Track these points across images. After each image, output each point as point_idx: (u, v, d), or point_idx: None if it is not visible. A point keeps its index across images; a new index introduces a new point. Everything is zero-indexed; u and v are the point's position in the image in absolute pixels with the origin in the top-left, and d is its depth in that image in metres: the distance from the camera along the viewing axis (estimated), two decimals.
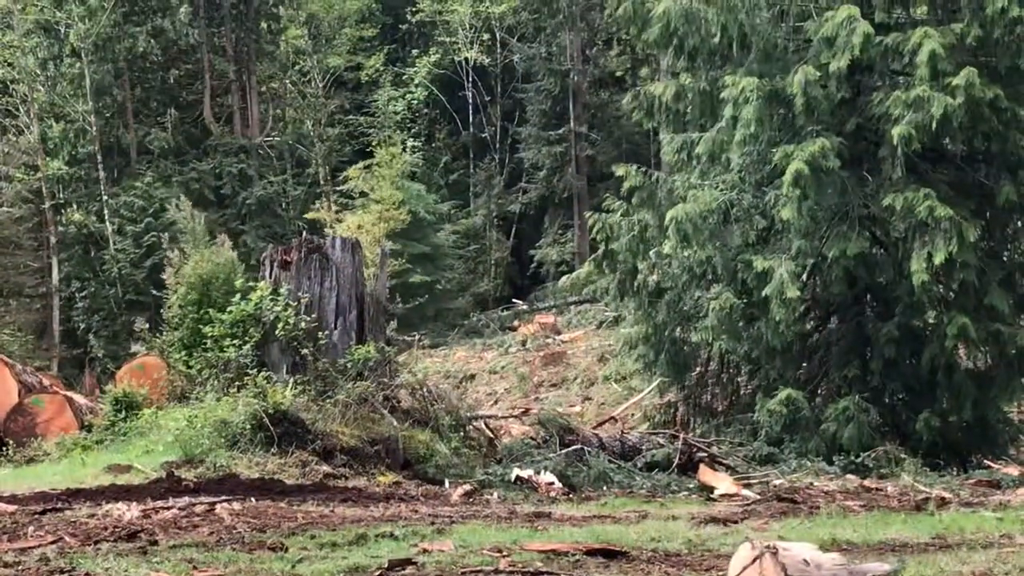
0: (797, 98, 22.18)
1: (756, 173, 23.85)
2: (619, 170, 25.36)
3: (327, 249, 21.56)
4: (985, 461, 22.89)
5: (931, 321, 23.25)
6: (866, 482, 19.47)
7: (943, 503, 16.95)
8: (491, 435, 22.07)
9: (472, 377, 38.80)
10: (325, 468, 18.27)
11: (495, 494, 17.89)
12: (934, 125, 21.57)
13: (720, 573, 10.86)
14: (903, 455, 21.30)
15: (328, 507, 15.67)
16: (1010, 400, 24.26)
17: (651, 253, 25.05)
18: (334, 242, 22.01)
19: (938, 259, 21.58)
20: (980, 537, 13.71)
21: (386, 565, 10.91)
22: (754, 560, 9.93)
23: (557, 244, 56.58)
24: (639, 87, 27.31)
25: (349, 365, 20.38)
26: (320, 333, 20.65)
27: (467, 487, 17.88)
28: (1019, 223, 23.69)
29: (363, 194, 50.62)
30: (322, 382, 20.17)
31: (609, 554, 12.14)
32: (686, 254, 24.23)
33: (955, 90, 21.47)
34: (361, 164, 52.49)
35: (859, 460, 21.10)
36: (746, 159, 23.50)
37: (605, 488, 19.15)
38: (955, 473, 21.15)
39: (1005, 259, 24.23)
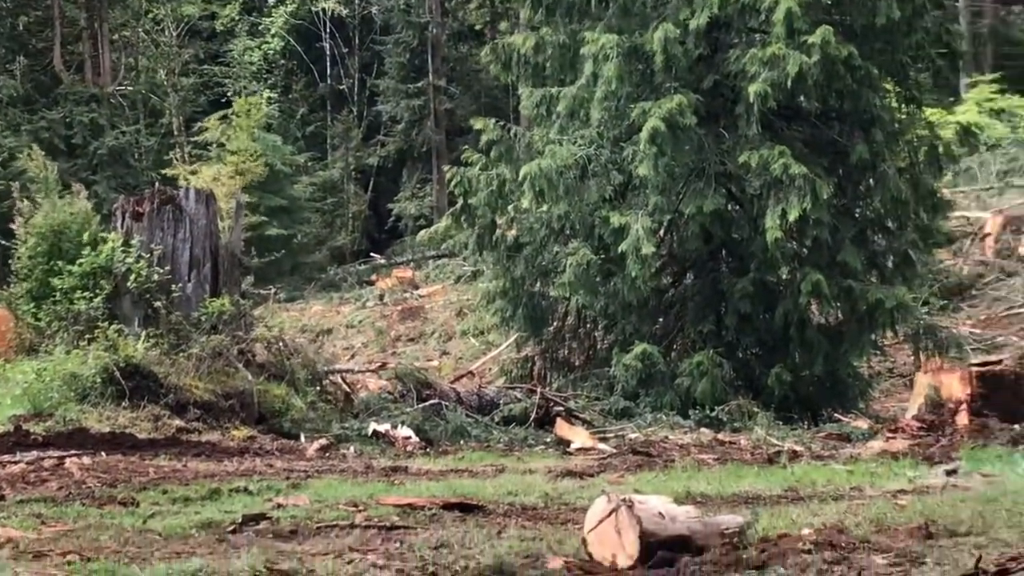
0: (657, 55, 22.25)
1: (614, 129, 23.89)
2: (477, 124, 25.26)
3: (180, 200, 21.24)
4: (836, 415, 23.23)
5: (785, 277, 23.53)
6: (720, 436, 19.68)
7: (795, 456, 17.19)
8: (348, 389, 21.94)
9: (329, 331, 38.59)
10: (178, 422, 18.05)
11: (351, 448, 17.80)
12: (789, 83, 21.77)
13: (576, 526, 10.89)
14: (756, 409, 21.55)
15: (181, 462, 15.47)
16: (860, 355, 24.63)
17: (509, 208, 24.99)
18: (188, 193, 21.70)
19: (792, 216, 21.82)
20: (831, 489, 13.93)
21: (240, 520, 10.79)
22: (610, 513, 9.97)
23: (415, 198, 56.38)
24: (498, 40, 27.18)
25: (203, 318, 20.13)
26: (173, 286, 20.35)
27: (323, 442, 17.78)
28: (871, 181, 23.98)
29: (219, 145, 49.94)
30: (175, 335, 19.90)
31: (466, 508, 12.14)
32: (544, 209, 24.22)
33: (811, 48, 21.68)
34: (218, 115, 51.74)
35: (713, 414, 21.31)
36: (605, 115, 23.52)
37: (462, 442, 19.15)
38: (807, 427, 21.45)
39: (857, 216, 24.56)
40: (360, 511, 11.68)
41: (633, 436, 19.64)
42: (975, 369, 19.85)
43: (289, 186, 52.50)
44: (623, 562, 9.86)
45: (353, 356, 34.59)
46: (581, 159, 23.36)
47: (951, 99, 44.41)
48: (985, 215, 34.01)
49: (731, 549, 10.19)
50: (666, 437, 19.31)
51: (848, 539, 10.55)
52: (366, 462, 16.31)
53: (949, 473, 15.13)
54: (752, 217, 23.26)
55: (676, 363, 23.16)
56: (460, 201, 25.06)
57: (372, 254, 53.30)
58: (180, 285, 20.50)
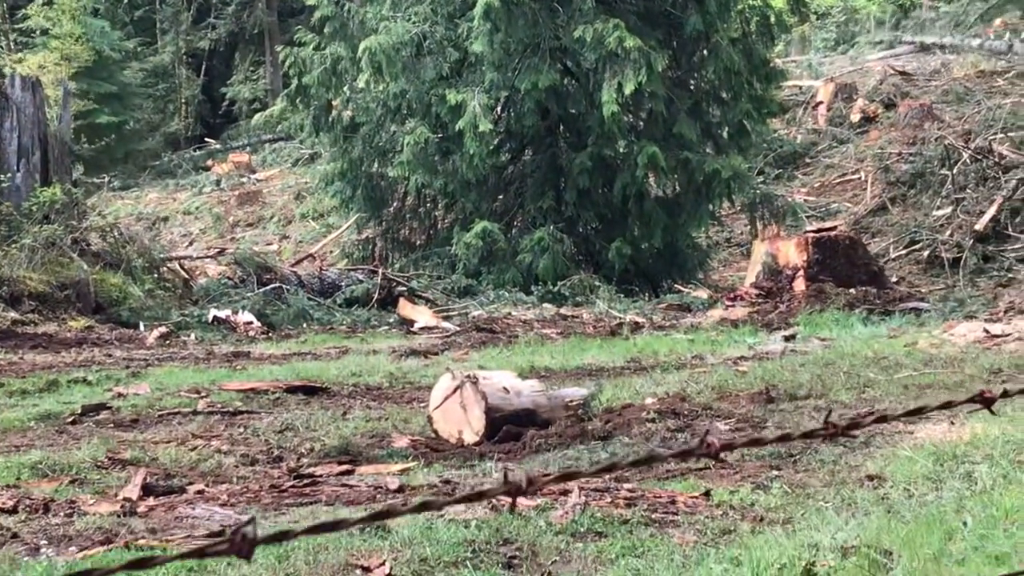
0: None
1: (448, 5, 23.66)
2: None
3: (6, 88, 20.64)
4: (676, 286, 23.50)
5: (622, 151, 23.62)
6: (562, 310, 19.81)
7: (637, 327, 17.37)
8: (187, 276, 21.65)
9: (166, 219, 37.95)
10: (12, 315, 17.68)
11: (192, 335, 17.61)
12: None
13: (422, 404, 10.90)
14: (597, 283, 21.71)
15: (17, 354, 15.18)
16: (698, 226, 24.91)
17: (345, 88, 24.70)
18: (13, 81, 21.09)
19: (628, 89, 21.86)
20: (673, 359, 14.11)
21: (79, 411, 10.62)
22: (455, 390, 9.99)
23: (249, 81, 55.44)
24: None
25: (34, 208, 19.67)
26: (2, 176, 19.83)
27: (163, 329, 17.54)
28: (705, 52, 24.10)
29: (44, 32, 48.51)
30: (6, 226, 19.44)
31: (310, 391, 12.09)
32: (380, 88, 23.98)
33: None
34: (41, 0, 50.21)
35: (555, 289, 21.42)
36: None
37: (305, 325, 19.04)
38: (647, 298, 21.68)
39: (692, 88, 24.71)
40: (202, 397, 11.56)
41: (476, 313, 19.68)
42: (810, 236, 20.17)
43: (119, 72, 51.23)
44: (469, 438, 9.89)
45: (191, 243, 34.10)
46: (416, 36, 23.12)
47: None
48: (817, 83, 34.37)
49: (576, 421, 10.28)
50: (509, 313, 19.39)
51: (691, 406, 10.69)
52: (207, 348, 16.15)
53: (788, 338, 15.40)
54: (588, 92, 23.26)
55: (517, 240, 23.21)
56: (294, 82, 24.68)
57: (207, 139, 52.40)
58: (9, 175, 20.01)
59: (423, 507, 1.43)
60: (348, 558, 6.73)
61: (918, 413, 1.76)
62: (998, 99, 30.66)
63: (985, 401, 1.77)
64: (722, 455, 1.41)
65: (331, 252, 29.22)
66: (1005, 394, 1.79)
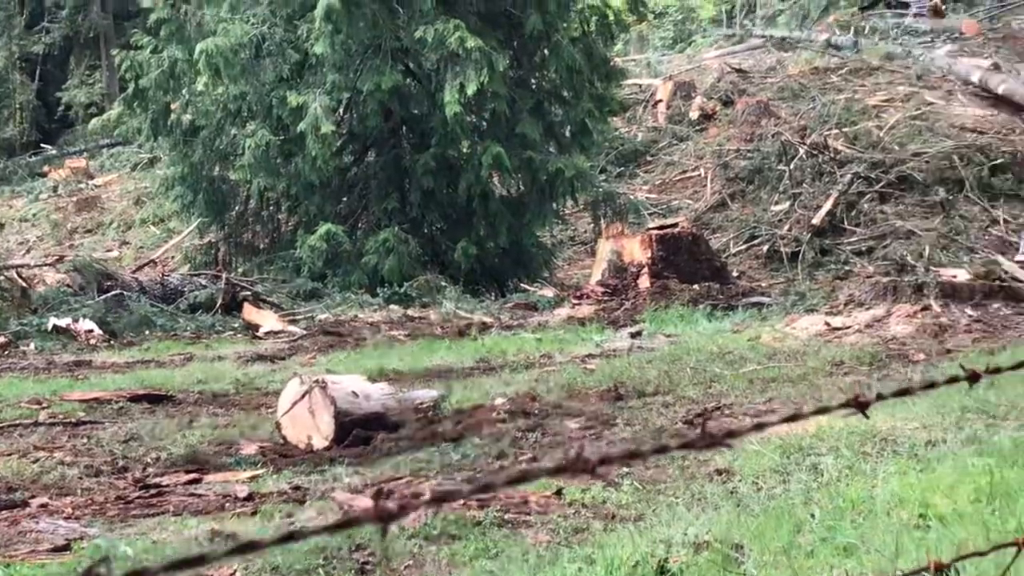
0: None
1: (288, 7, 23.45)
2: (145, 1, 24.46)
3: None
4: (522, 285, 23.59)
5: (466, 151, 23.62)
6: (410, 311, 19.75)
7: (485, 327, 17.39)
8: (24, 285, 21.17)
9: (1, 226, 37.15)
10: None
11: (31, 345, 17.23)
12: None
13: (270, 410, 10.80)
14: (444, 283, 21.69)
15: None
16: (543, 225, 25.03)
17: (184, 91, 24.37)
18: None
19: (470, 90, 21.88)
20: (521, 358, 14.15)
21: None
22: (303, 395, 9.90)
23: (85, 85, 54.53)
24: None
25: None
26: None
27: (0, 339, 17.15)
28: (546, 51, 24.19)
29: None
30: None
31: (154, 399, 11.91)
32: (220, 91, 23.71)
33: None
34: None
35: (402, 290, 21.35)
36: None
37: (148, 332, 18.73)
38: (495, 298, 21.72)
39: (534, 87, 24.79)
40: (44, 408, 11.33)
41: (323, 317, 19.53)
42: (654, 233, 20.36)
43: None
44: (318, 443, 9.81)
45: (29, 251, 33.40)
46: (255, 37, 22.88)
47: None
48: (656, 82, 34.70)
49: (427, 423, 10.26)
50: (356, 316, 19.27)
51: (541, 406, 10.73)
52: (47, 358, 15.82)
53: (634, 335, 15.53)
54: (431, 92, 23.22)
55: (362, 242, 23.09)
56: (131, 86, 24.29)
57: (43, 145, 51.40)
58: None
59: (289, 538, 1.39)
60: (198, 568, 6.61)
61: (795, 419, 1.76)
62: (832, 95, 31.25)
63: (859, 405, 1.78)
64: (599, 470, 1.39)
65: (173, 257, 28.80)
66: (880, 397, 1.80)
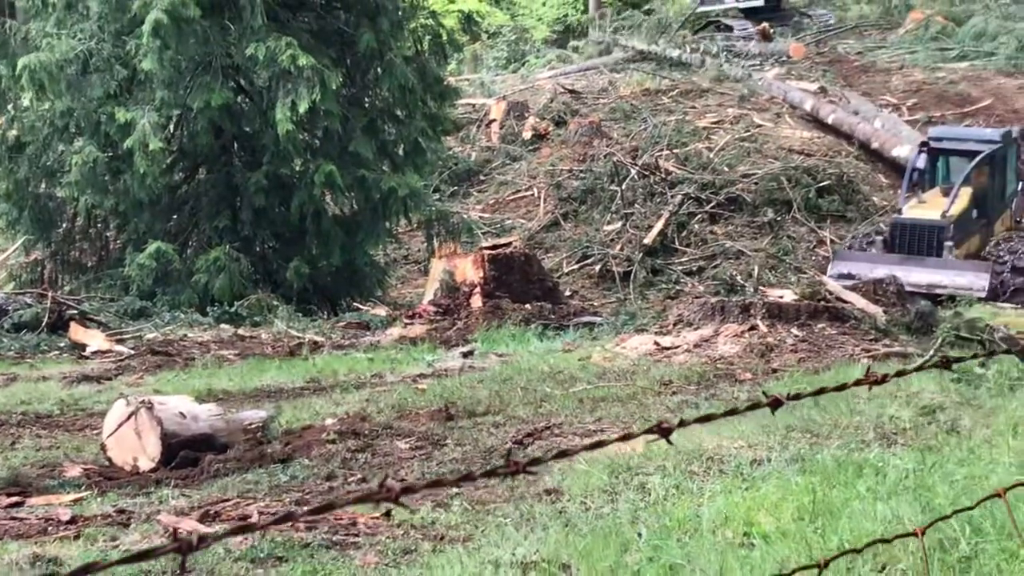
0: None
1: (116, 22, 23.09)
2: None
3: None
4: (355, 304, 23.49)
5: (299, 169, 23.47)
6: (240, 331, 19.53)
7: (316, 347, 17.28)
8: None
9: None
10: None
11: None
12: None
13: (95, 432, 10.61)
14: (276, 302, 21.51)
15: None
16: (376, 244, 24.97)
17: (9, 107, 23.88)
18: None
19: (302, 107, 21.75)
20: (353, 378, 14.08)
21: None
22: (129, 416, 9.75)
23: None
24: None
25: None
26: None
27: None
28: (379, 70, 24.14)
29: None
30: None
31: None
32: (46, 107, 23.27)
33: None
34: None
35: (233, 309, 21.13)
36: (105, 7, 22.71)
37: None
38: (327, 317, 21.60)
39: (367, 106, 24.72)
40: None
41: (151, 336, 19.23)
42: (486, 252, 20.41)
43: None
44: (145, 465, 9.67)
45: None
46: (82, 53, 22.50)
47: None
48: (490, 101, 34.87)
49: (255, 444, 10.16)
50: (185, 335, 19.01)
51: (371, 426, 10.69)
52: None
53: (466, 355, 15.55)
54: (262, 110, 23.03)
55: (192, 260, 22.82)
56: None
57: None
58: None
59: (85, 570, 1.36)
60: None
61: (599, 446, 1.77)
62: (663, 116, 31.68)
63: (662, 432, 1.79)
64: (402, 499, 1.39)
65: None
66: (682, 424, 1.82)
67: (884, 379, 2.34)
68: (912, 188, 23.58)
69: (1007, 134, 24.38)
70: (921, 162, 23.72)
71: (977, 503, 3.25)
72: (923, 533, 2.42)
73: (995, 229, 23.53)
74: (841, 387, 2.42)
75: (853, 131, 30.52)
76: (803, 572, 2.48)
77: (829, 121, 31.21)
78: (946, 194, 22.55)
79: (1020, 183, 24.53)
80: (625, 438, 1.80)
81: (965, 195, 22.57)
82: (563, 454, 1.69)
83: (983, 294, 20.70)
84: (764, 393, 2.06)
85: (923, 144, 24.28)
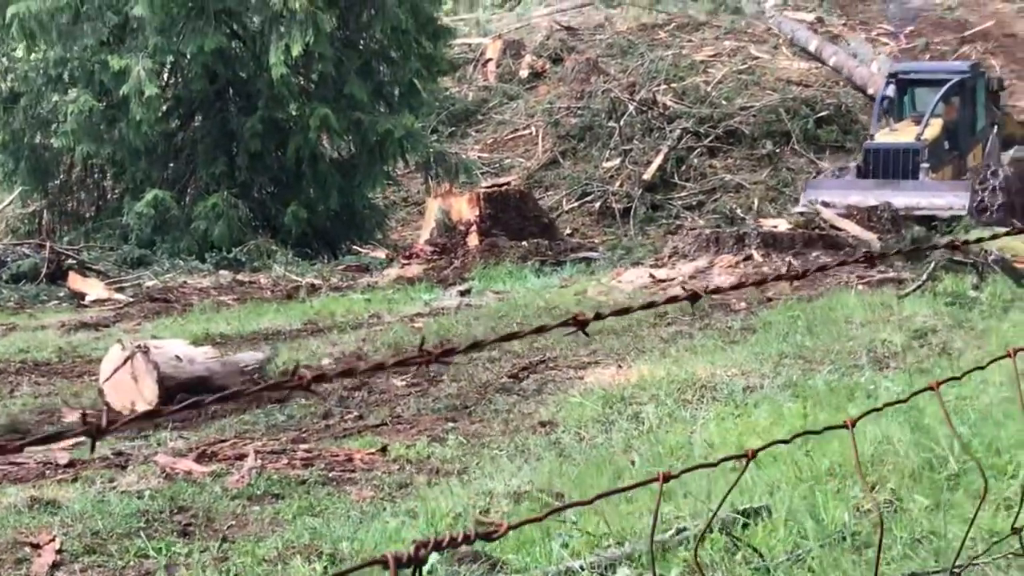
0: None
1: None
2: None
3: None
4: (354, 247, 23.49)
5: (294, 113, 23.40)
6: (239, 276, 19.56)
7: (314, 290, 17.31)
8: None
9: None
10: None
11: None
12: None
13: (93, 378, 10.65)
14: (275, 247, 21.53)
15: None
16: (373, 187, 24.92)
17: (3, 57, 23.82)
18: None
19: (295, 51, 21.68)
20: (350, 319, 14.12)
21: None
22: (125, 361, 9.79)
23: None
24: None
25: None
26: None
27: None
28: (372, 11, 24.02)
29: None
30: None
31: None
32: (39, 56, 23.20)
33: None
34: None
35: (232, 255, 21.14)
36: None
37: None
38: (326, 261, 21.60)
39: (362, 48, 24.62)
40: None
41: (151, 284, 19.25)
42: (482, 191, 20.41)
43: None
44: (142, 408, 9.69)
45: None
46: (73, 1, 22.39)
47: None
48: (485, 41, 34.72)
49: (252, 385, 10.18)
50: (185, 282, 19.04)
51: (367, 365, 10.71)
52: None
53: (463, 293, 15.58)
54: (256, 54, 22.95)
55: (191, 207, 22.80)
56: None
57: None
58: None
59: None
60: (16, 536, 6.56)
61: (513, 338, 1.79)
62: (660, 51, 31.54)
63: (579, 324, 1.81)
64: (314, 387, 1.42)
65: None
66: (598, 316, 1.84)
67: (804, 274, 2.39)
68: (883, 118, 23.41)
69: (975, 66, 24.29)
70: (891, 91, 23.58)
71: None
72: (853, 424, 2.44)
73: (967, 162, 23.35)
74: (761, 282, 2.46)
75: (852, 75, 30.31)
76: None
77: (831, 64, 30.98)
78: (917, 123, 22.33)
79: (994, 125, 24.33)
80: (539, 331, 1.82)
81: (936, 124, 22.37)
82: (475, 345, 1.71)
83: (963, 213, 20.43)
84: (682, 287, 2.07)
85: (891, 75, 24.11)
